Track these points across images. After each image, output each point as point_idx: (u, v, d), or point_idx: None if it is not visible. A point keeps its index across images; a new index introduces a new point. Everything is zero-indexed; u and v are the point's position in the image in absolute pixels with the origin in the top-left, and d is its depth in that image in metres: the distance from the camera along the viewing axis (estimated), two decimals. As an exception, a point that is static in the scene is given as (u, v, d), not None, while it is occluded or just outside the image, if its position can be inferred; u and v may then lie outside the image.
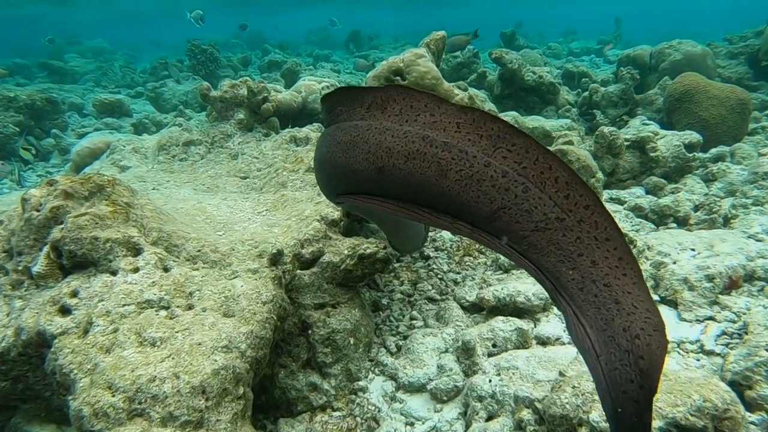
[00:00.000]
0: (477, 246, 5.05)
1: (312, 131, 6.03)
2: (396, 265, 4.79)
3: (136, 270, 2.93)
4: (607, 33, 25.73)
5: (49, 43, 19.63)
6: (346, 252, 3.66)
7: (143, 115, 10.93)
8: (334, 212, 3.93)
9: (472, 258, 4.88)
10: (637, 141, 5.48)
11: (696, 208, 4.89)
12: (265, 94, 6.14)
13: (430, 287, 4.48)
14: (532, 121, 7.15)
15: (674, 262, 3.96)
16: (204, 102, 6.32)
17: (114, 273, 2.91)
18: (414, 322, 4.06)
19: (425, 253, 4.94)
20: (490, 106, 7.04)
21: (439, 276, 4.64)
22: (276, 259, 3.39)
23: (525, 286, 3.81)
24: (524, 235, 1.53)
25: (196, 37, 15.44)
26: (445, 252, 4.99)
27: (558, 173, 1.50)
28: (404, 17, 59.27)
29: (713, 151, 6.14)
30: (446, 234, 5.34)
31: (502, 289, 3.82)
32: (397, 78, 5.44)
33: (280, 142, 5.88)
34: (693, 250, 4.14)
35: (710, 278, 3.63)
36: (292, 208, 4.43)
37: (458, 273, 4.68)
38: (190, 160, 6.19)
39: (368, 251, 3.66)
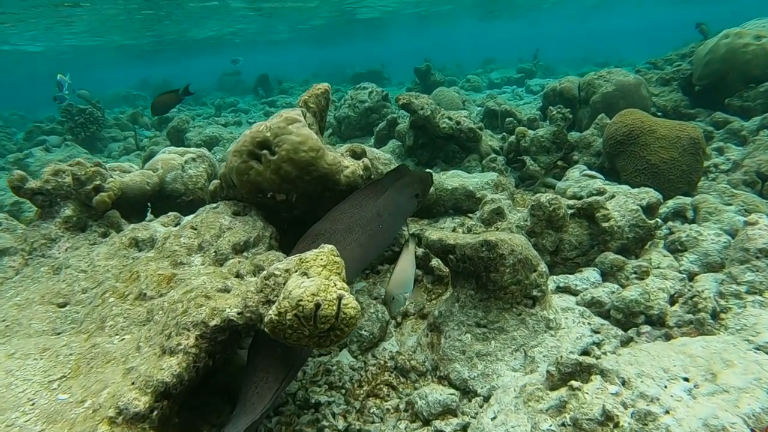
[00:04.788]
0: (387, 376, 3.65)
1: (162, 225, 4.51)
2: (271, 424, 3.31)
3: None
4: (525, 60, 25.44)
5: None
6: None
7: (-4, 196, 9.08)
8: (140, 397, 2.45)
9: (378, 400, 3.46)
10: (584, 208, 4.24)
11: (672, 301, 3.66)
12: (98, 181, 4.59)
13: (318, 466, 3.00)
14: (452, 179, 5.86)
15: (666, 411, 2.65)
16: (19, 197, 4.71)
17: None
18: None
19: (314, 400, 3.46)
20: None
21: (332, 441, 3.17)
22: None
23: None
24: None
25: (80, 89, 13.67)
26: (343, 392, 3.54)
27: None
28: (319, 55, 58.72)
29: (671, 204, 5.00)
30: (345, 358, 3.90)
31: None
32: (264, 152, 4.03)
33: (117, 247, 4.33)
34: (687, 380, 2.84)
35: (730, 448, 2.32)
36: (96, 375, 2.91)
37: (358, 430, 3.24)
38: (1, 277, 4.55)
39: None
